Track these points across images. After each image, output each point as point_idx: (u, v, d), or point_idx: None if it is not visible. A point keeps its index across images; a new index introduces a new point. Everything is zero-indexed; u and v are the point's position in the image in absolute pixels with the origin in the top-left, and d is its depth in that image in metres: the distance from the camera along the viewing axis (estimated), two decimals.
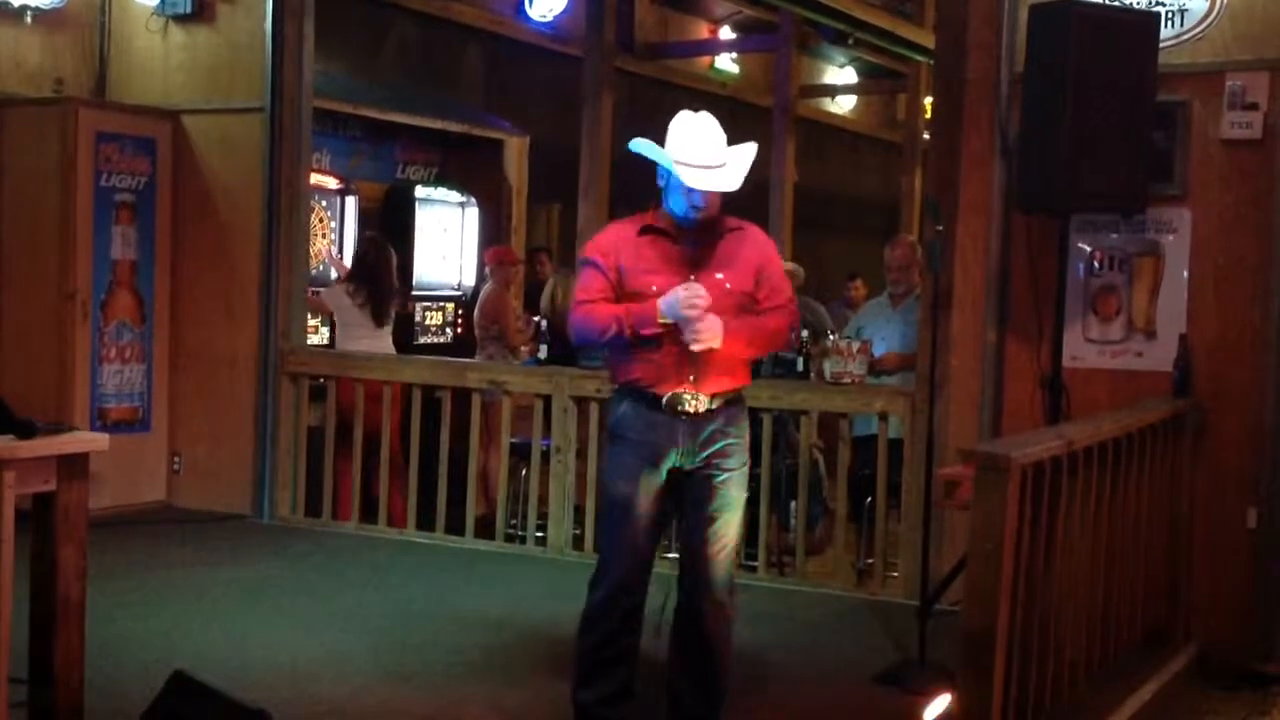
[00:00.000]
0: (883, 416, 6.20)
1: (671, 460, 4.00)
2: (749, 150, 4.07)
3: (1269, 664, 5.21)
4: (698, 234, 4.03)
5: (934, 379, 5.87)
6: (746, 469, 4.12)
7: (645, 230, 4.06)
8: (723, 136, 4.05)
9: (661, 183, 4.06)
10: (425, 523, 7.10)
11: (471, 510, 7.06)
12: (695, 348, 3.86)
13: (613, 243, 4.10)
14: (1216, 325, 5.38)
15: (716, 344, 3.87)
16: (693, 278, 3.94)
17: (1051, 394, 5.27)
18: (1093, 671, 4.43)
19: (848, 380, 6.30)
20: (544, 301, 7.96)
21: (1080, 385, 5.40)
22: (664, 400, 3.97)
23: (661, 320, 3.89)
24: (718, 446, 4.00)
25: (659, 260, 4.01)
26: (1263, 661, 5.22)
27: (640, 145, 4.02)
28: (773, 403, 6.40)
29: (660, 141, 4.02)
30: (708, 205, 3.98)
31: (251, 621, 5.46)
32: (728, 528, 4.05)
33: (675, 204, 4.00)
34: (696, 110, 4.13)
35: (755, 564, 6.54)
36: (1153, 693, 4.69)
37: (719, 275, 3.97)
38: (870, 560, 6.55)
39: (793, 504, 6.64)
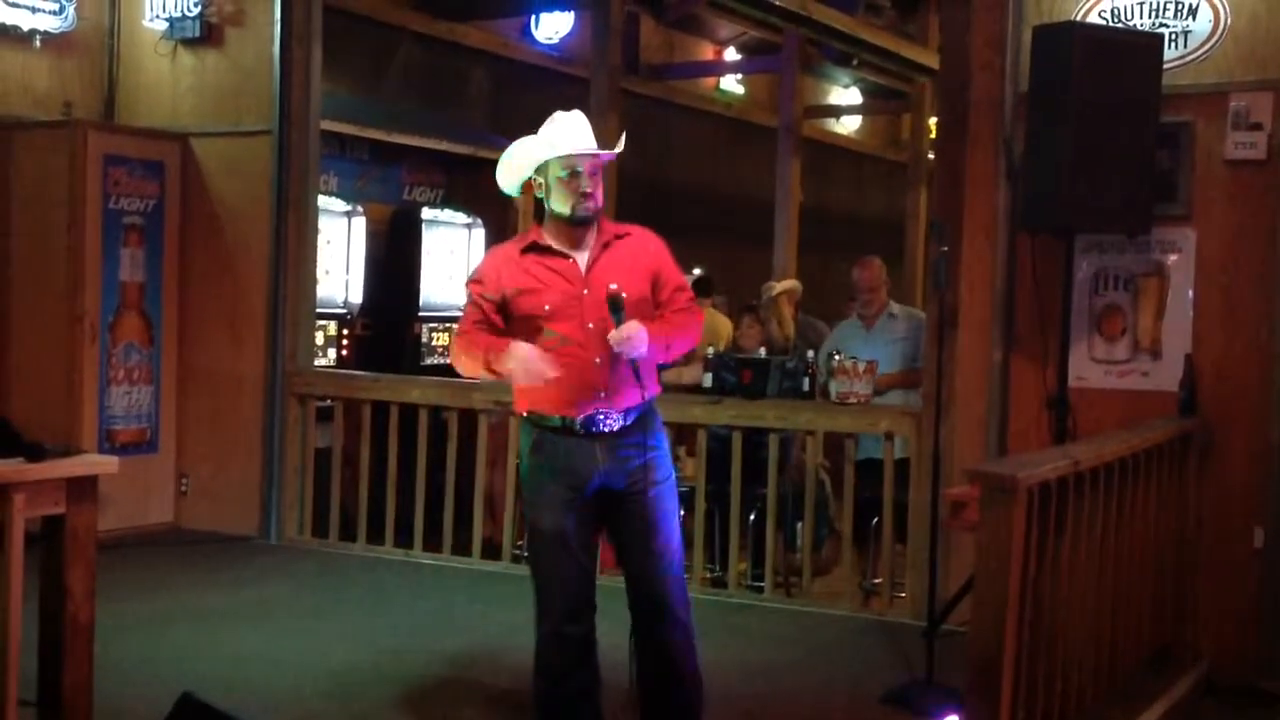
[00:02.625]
0: (888, 436, 6.20)
1: (596, 483, 3.82)
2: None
3: (1276, 682, 5.19)
4: (583, 246, 3.85)
5: (940, 399, 5.86)
6: (674, 478, 3.96)
7: (528, 249, 3.87)
8: (589, 129, 3.89)
9: (540, 194, 3.88)
10: (432, 544, 7.11)
11: (478, 531, 7.06)
12: (628, 356, 3.69)
13: (493, 268, 3.91)
14: (1222, 345, 5.39)
15: (644, 351, 3.70)
16: (585, 291, 3.78)
17: (1057, 414, 5.28)
18: (1100, 692, 4.42)
19: (853, 400, 6.31)
20: None
21: (1086, 405, 5.40)
22: (578, 422, 3.80)
23: (508, 375, 3.73)
24: (641, 461, 3.82)
25: (548, 278, 3.82)
26: (1270, 680, 5.21)
27: (508, 163, 3.88)
28: (779, 423, 6.41)
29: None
30: (594, 191, 3.80)
31: (259, 643, 5.46)
32: (669, 541, 3.86)
33: (561, 203, 3.81)
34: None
35: (762, 584, 6.55)
36: (1160, 713, 4.68)
37: (612, 285, 3.78)
38: (877, 581, 6.54)
39: (799, 525, 6.63)
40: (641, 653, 3.91)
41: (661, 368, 4.14)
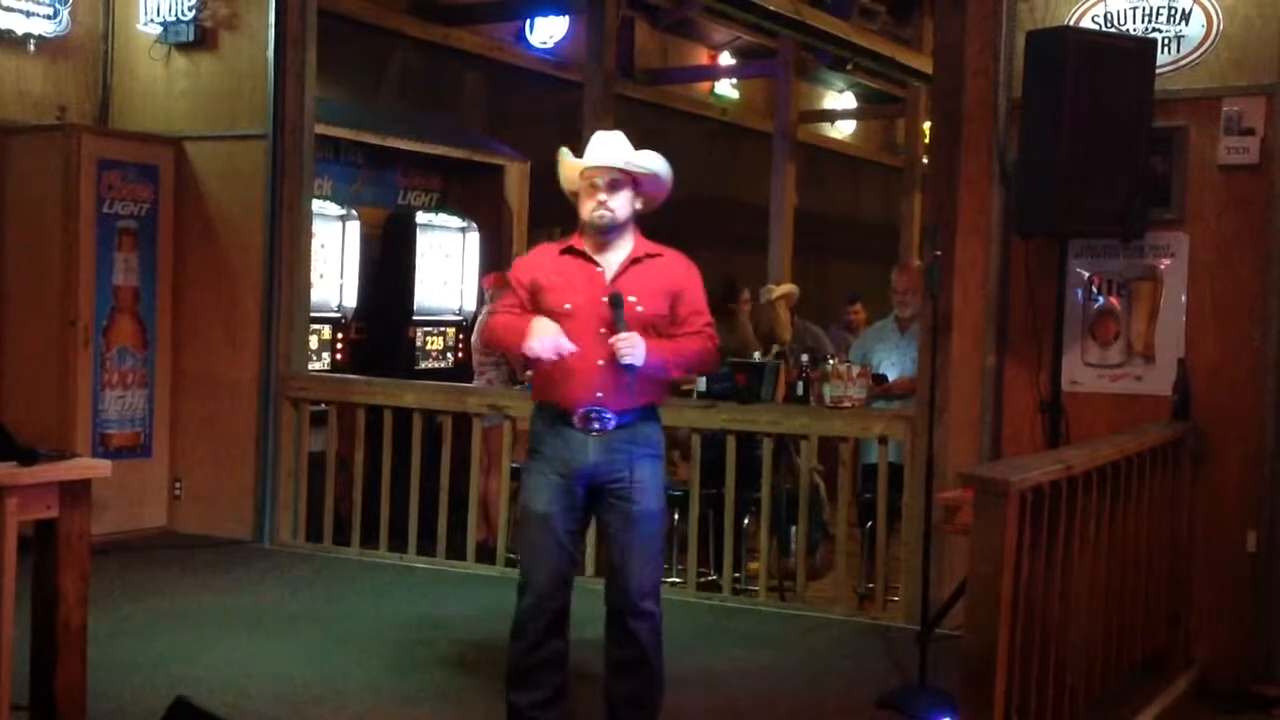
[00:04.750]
0: (882, 440, 6.21)
1: (585, 475, 4.11)
2: (653, 154, 4.24)
3: (1270, 686, 5.19)
4: (616, 257, 4.16)
5: (934, 403, 5.88)
6: (662, 478, 4.23)
7: (566, 251, 4.20)
8: (627, 145, 4.20)
9: (573, 198, 4.23)
10: (426, 548, 7.11)
11: (472, 535, 7.07)
12: (623, 361, 3.96)
13: (532, 262, 4.30)
14: (1215, 349, 5.40)
15: (639, 360, 3.96)
16: (604, 299, 4.05)
17: (1050, 418, 5.28)
18: (1094, 696, 4.42)
19: (847, 404, 6.32)
20: None
21: (1079, 409, 5.41)
22: (575, 417, 4.09)
23: (527, 349, 4.02)
24: (630, 460, 4.09)
25: (574, 280, 4.14)
26: (1264, 684, 5.21)
27: (559, 171, 4.22)
28: (772, 427, 6.41)
29: None
30: (612, 205, 4.10)
31: (252, 647, 5.45)
32: (647, 539, 4.13)
33: (582, 212, 4.15)
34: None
35: (756, 588, 6.55)
36: (1153, 716, 4.69)
37: (631, 298, 4.07)
38: (871, 584, 6.55)
39: (793, 529, 6.64)
40: (612, 638, 4.19)
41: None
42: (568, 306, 4.09)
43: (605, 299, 4.05)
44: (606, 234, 4.15)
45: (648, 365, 4.00)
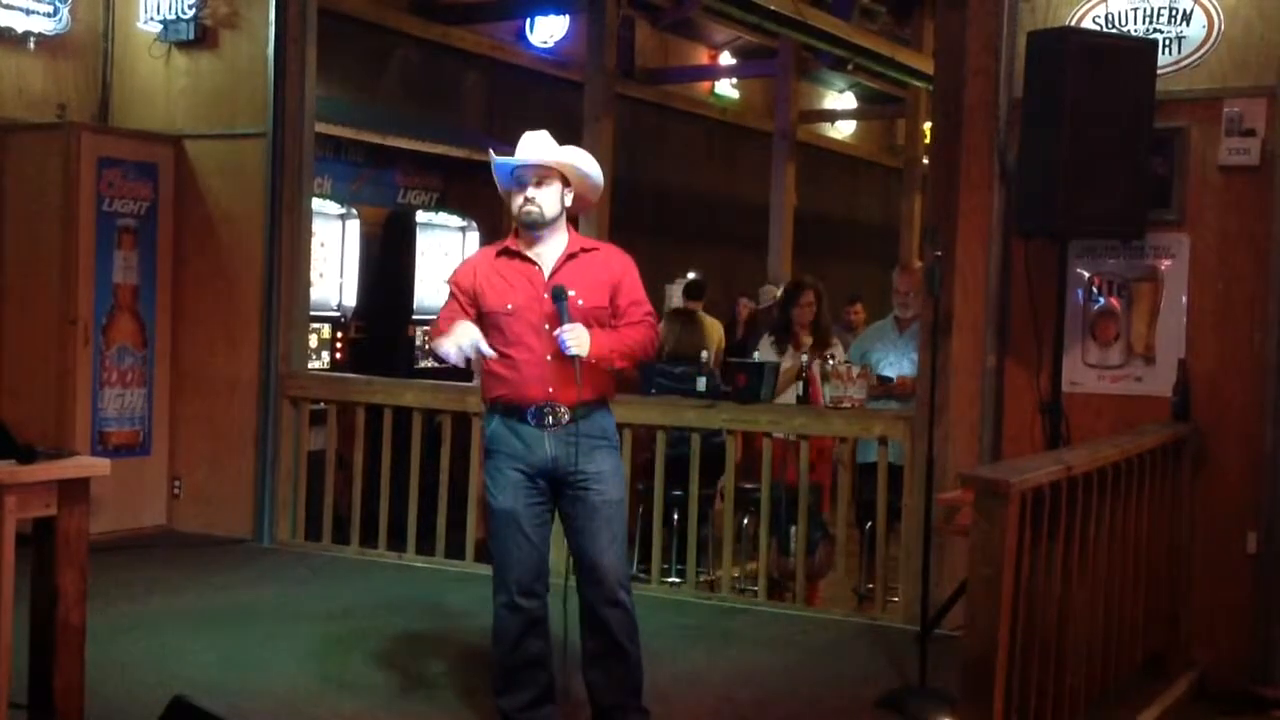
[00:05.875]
0: (882, 441, 6.21)
1: (544, 469, 4.19)
2: (577, 150, 4.33)
3: (1270, 688, 5.20)
4: (552, 254, 4.25)
5: (934, 404, 5.88)
6: (620, 467, 4.33)
7: (502, 253, 4.30)
8: (553, 143, 4.27)
9: (505, 196, 4.32)
10: (425, 547, 7.10)
11: (471, 534, 7.06)
12: (568, 352, 4.05)
13: (469, 268, 4.37)
14: (1215, 350, 5.39)
15: (584, 351, 4.05)
16: (545, 294, 4.16)
17: (1051, 419, 5.28)
18: (1093, 697, 4.42)
19: (847, 404, 6.32)
20: None
21: (1079, 410, 5.41)
22: (529, 413, 4.17)
23: (441, 350, 4.15)
24: (586, 451, 4.17)
25: (514, 279, 4.24)
26: (1263, 685, 5.21)
27: (497, 162, 4.28)
28: (772, 427, 6.41)
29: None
30: (538, 200, 4.18)
31: (251, 646, 5.45)
32: (609, 526, 4.20)
33: (513, 209, 4.24)
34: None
35: (755, 588, 6.55)
36: (1154, 717, 4.69)
37: (571, 292, 4.15)
38: (871, 585, 6.54)
39: (792, 529, 6.64)
40: (587, 629, 4.26)
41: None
42: (510, 306, 4.19)
43: (547, 294, 4.15)
44: (537, 230, 4.23)
45: (592, 354, 4.09)
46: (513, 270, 4.25)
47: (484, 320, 4.24)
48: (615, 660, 4.24)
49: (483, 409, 4.45)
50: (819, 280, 7.38)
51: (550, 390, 4.15)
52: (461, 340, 4.11)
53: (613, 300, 4.26)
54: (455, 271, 4.49)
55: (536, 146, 4.26)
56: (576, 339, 4.05)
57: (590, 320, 4.16)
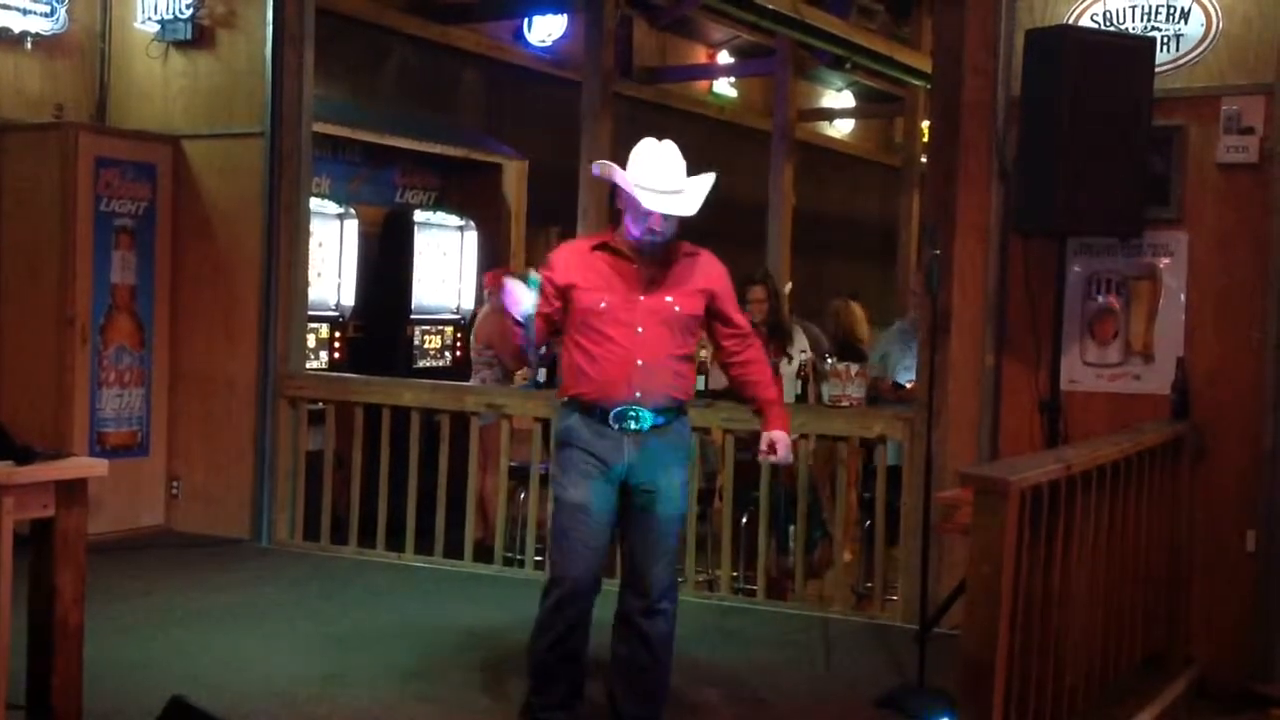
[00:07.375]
0: (881, 439, 6.20)
1: (617, 472, 4.13)
2: (707, 179, 4.18)
3: (1269, 686, 5.20)
4: (651, 255, 4.16)
5: (932, 402, 5.87)
6: (687, 481, 4.32)
7: (599, 247, 4.22)
8: (682, 165, 4.15)
9: (621, 205, 4.19)
10: (424, 547, 7.10)
11: (470, 534, 7.06)
12: (784, 463, 4.32)
13: (563, 260, 4.25)
14: (1214, 348, 5.39)
15: (789, 457, 4.30)
16: (641, 297, 4.11)
17: (1049, 417, 5.28)
18: (1093, 695, 4.42)
19: (846, 403, 6.31)
20: None
21: (1078, 408, 5.41)
22: (610, 415, 4.09)
23: (517, 321, 4.11)
24: (660, 460, 4.14)
25: (610, 277, 4.16)
26: (1263, 684, 5.21)
27: (603, 167, 4.16)
28: None
29: (624, 166, 4.15)
30: (664, 230, 4.10)
31: (250, 646, 5.45)
32: (665, 540, 4.19)
33: (633, 227, 4.14)
34: (661, 140, 4.23)
35: (754, 587, 6.54)
36: (1153, 715, 4.68)
37: (668, 298, 4.13)
38: (870, 584, 6.54)
39: (791, 528, 6.63)
40: (624, 635, 4.23)
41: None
42: (604, 305, 4.11)
43: (526, 278, 4.12)
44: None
45: (787, 428, 4.27)
46: (608, 268, 4.17)
47: (574, 316, 4.17)
48: (649, 673, 4.21)
49: (556, 402, 4.36)
50: (770, 275, 7.32)
51: (637, 395, 4.09)
52: (514, 290, 4.08)
53: (712, 307, 4.24)
54: (548, 260, 4.33)
55: (677, 180, 4.09)
56: (787, 448, 4.25)
57: (681, 327, 4.14)
